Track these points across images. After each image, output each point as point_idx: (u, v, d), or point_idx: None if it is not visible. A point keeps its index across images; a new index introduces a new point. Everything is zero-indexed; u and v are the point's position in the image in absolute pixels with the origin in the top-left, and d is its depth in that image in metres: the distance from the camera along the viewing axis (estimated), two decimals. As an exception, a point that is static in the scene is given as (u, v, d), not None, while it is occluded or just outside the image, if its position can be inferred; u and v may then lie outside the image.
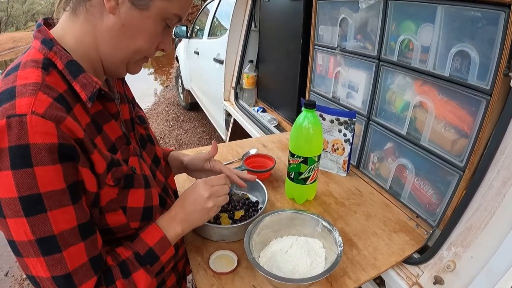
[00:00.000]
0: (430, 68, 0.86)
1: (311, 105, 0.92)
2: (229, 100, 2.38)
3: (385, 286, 0.93)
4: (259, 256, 0.81)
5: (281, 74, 1.81)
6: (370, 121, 1.14)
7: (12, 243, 0.48)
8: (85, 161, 0.51)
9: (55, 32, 0.55)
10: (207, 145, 3.77)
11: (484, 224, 0.71)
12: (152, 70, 8.81)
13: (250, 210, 0.99)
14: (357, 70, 1.15)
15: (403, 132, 1.00)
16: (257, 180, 1.06)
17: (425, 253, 0.84)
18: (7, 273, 2.10)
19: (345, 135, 1.15)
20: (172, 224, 0.67)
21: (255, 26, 2.03)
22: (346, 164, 1.19)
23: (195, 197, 0.70)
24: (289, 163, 1.03)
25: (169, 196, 0.80)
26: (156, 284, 0.72)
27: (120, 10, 0.52)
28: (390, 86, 1.03)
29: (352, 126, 1.11)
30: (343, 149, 1.18)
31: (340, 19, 1.16)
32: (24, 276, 1.99)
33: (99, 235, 0.56)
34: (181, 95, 4.95)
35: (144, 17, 0.54)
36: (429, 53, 0.86)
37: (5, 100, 0.45)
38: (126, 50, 0.57)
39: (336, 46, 1.22)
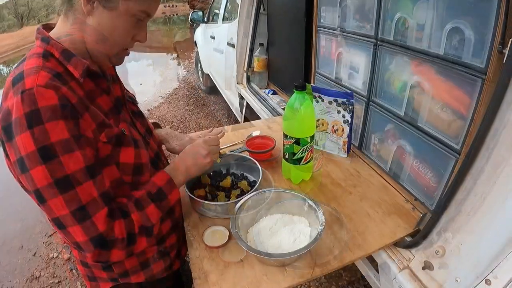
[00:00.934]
0: (425, 46, 0.84)
1: (301, 87, 0.93)
2: (242, 83, 2.39)
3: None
4: (247, 232, 0.85)
5: (288, 57, 1.79)
6: (370, 102, 1.12)
7: (37, 192, 0.60)
8: (82, 119, 0.63)
9: (53, 33, 0.69)
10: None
11: (474, 210, 0.69)
12: (175, 55, 8.92)
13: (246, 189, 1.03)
14: (357, 51, 1.13)
15: (401, 113, 0.98)
16: (254, 160, 1.09)
17: (415, 236, 0.83)
18: (35, 254, 2.26)
19: (343, 116, 1.14)
20: (176, 174, 0.81)
21: (264, 9, 2.01)
22: (346, 145, 1.19)
23: (195, 154, 0.86)
24: (283, 144, 1.04)
25: (161, 161, 0.91)
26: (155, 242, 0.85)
27: (95, 12, 0.66)
28: (388, 67, 1.00)
29: (350, 107, 1.10)
30: (343, 130, 1.17)
31: (339, 0, 1.13)
32: (51, 255, 2.14)
33: (106, 177, 0.68)
34: (201, 79, 5.00)
35: (114, 16, 0.66)
36: (424, 31, 0.83)
37: (17, 82, 0.60)
38: (104, 45, 0.69)
39: (336, 27, 1.20)
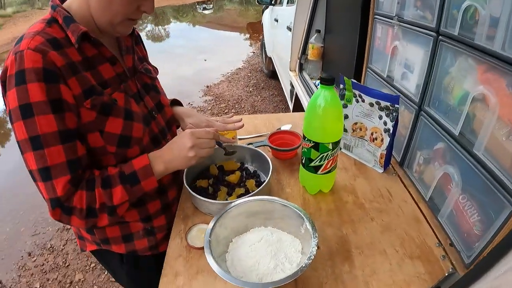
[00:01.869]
0: (497, 48, 0.60)
1: (328, 81, 0.75)
2: (294, 71, 2.22)
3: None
4: (231, 241, 0.74)
5: (342, 47, 1.56)
6: (422, 111, 0.89)
7: (18, 143, 0.66)
8: (65, 83, 0.66)
9: (66, 3, 0.73)
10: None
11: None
12: (247, 36, 8.91)
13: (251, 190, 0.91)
14: (415, 46, 0.90)
15: (456, 132, 0.76)
16: (269, 159, 0.96)
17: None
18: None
19: (385, 123, 0.94)
20: (157, 162, 0.77)
21: None
22: (384, 158, 0.99)
23: (179, 145, 0.79)
24: (302, 146, 0.89)
25: (165, 139, 0.89)
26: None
27: None
28: (449, 69, 0.77)
29: (394, 114, 0.90)
30: (382, 140, 0.97)
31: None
32: (62, 247, 2.25)
33: (81, 146, 0.69)
34: (264, 62, 4.90)
35: None
36: (498, 27, 0.59)
37: (17, 43, 0.65)
38: (107, 13, 0.70)
39: (394, 15, 0.97)
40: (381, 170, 1.01)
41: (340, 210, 0.88)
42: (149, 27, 11.21)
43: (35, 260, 2.13)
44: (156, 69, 0.99)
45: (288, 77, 2.54)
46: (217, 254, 0.68)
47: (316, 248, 0.62)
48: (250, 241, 0.70)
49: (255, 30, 9.05)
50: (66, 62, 0.66)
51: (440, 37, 0.77)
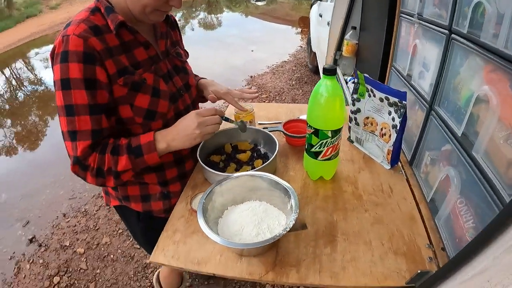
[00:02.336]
0: (500, 45, 0.59)
1: (330, 71, 0.78)
2: (330, 66, 2.22)
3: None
4: (226, 209, 0.81)
5: (372, 44, 1.54)
6: (432, 111, 0.89)
7: (57, 109, 0.80)
8: (102, 65, 0.78)
9: None
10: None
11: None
12: (298, 29, 8.83)
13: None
14: (431, 44, 0.88)
15: (459, 132, 0.75)
16: (277, 143, 1.01)
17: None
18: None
19: (393, 119, 0.94)
20: (161, 139, 0.85)
21: None
22: (391, 155, 0.99)
23: (184, 125, 0.86)
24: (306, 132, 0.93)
25: None
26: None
27: None
28: (459, 69, 0.76)
29: (402, 110, 0.90)
30: (390, 136, 0.97)
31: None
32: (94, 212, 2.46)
33: (106, 119, 0.81)
34: (309, 57, 4.87)
35: None
36: (502, 24, 0.58)
37: (65, 27, 0.78)
38: (138, 5, 0.80)
39: (415, 13, 0.96)
40: (388, 167, 1.02)
41: (336, 198, 0.91)
42: (202, 15, 11.51)
43: (68, 221, 2.34)
44: (187, 53, 1.10)
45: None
46: (212, 218, 0.76)
47: (293, 222, 0.67)
48: (240, 209, 0.77)
49: (306, 25, 8.93)
50: (104, 47, 0.78)
51: (452, 35, 0.76)
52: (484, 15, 0.65)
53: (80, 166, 0.80)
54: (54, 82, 0.78)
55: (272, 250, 0.74)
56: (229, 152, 1.10)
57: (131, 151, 0.82)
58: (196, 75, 1.18)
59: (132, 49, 0.85)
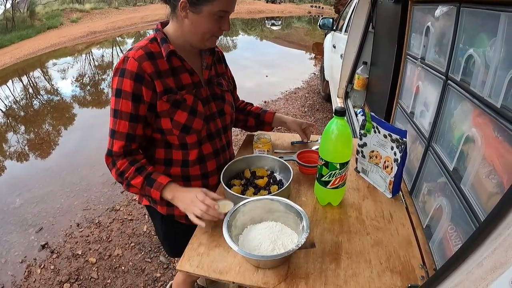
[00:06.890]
0: (485, 94, 0.71)
1: (340, 113, 0.92)
2: (341, 98, 2.36)
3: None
4: (246, 227, 0.92)
5: (381, 81, 1.68)
6: (429, 147, 1.00)
7: (110, 111, 1.00)
8: (149, 84, 0.97)
9: (166, 28, 1.05)
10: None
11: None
12: (312, 55, 9.09)
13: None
14: (431, 87, 1.01)
15: (450, 167, 0.86)
16: (292, 172, 1.12)
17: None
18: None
19: (395, 154, 1.05)
20: (171, 190, 1.01)
21: (372, 27, 1.91)
22: (392, 185, 1.10)
23: (190, 195, 0.97)
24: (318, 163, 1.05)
25: (219, 138, 1.18)
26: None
27: (188, 16, 0.96)
28: (453, 111, 0.88)
29: (402, 146, 1.01)
30: (391, 168, 1.09)
31: (426, 27, 1.03)
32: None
33: (141, 128, 1.01)
34: (322, 85, 5.03)
35: (201, 17, 0.95)
36: (488, 75, 0.70)
37: (128, 50, 0.99)
38: (197, 35, 0.99)
39: (419, 57, 1.10)
40: (389, 195, 1.12)
41: (342, 222, 1.01)
42: (218, 37, 11.92)
43: (81, 231, 2.39)
44: (233, 82, 1.33)
45: (336, 103, 2.67)
46: (234, 234, 0.87)
47: (304, 240, 0.78)
48: (258, 228, 0.89)
49: (319, 51, 9.21)
50: (155, 69, 0.98)
51: (448, 81, 0.89)
52: (474, 66, 0.77)
53: (111, 160, 1.02)
54: (111, 89, 1.00)
55: (285, 264, 0.85)
56: (248, 177, 1.22)
57: (147, 178, 1.00)
58: (262, 109, 1.42)
59: (179, 74, 1.04)
